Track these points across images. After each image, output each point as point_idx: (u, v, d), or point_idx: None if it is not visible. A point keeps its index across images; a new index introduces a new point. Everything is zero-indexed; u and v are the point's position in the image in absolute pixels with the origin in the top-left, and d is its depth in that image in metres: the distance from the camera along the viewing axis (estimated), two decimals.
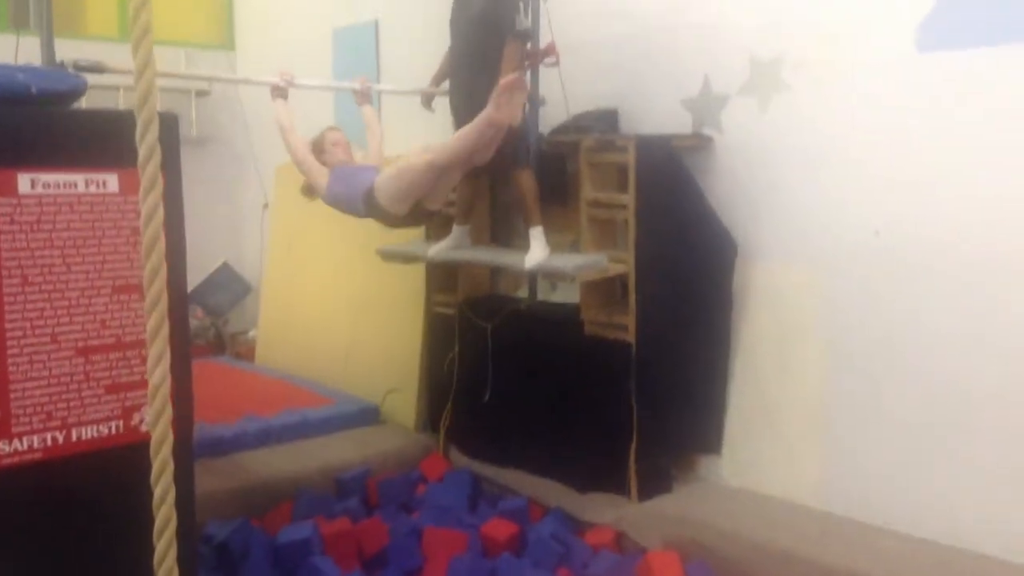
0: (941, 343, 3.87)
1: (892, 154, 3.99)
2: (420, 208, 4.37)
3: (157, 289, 1.61)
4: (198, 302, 7.45)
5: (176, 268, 3.13)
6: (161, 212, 1.62)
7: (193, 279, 7.27)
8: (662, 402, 4.47)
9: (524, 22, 4.56)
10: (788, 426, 4.42)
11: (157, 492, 1.60)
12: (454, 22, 4.81)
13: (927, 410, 3.92)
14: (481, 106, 4.50)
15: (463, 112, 4.81)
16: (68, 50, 4.09)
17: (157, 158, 1.63)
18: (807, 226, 4.31)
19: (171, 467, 1.61)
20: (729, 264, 4.57)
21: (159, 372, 1.64)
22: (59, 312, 2.98)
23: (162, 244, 1.62)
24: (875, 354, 4.09)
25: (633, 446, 4.42)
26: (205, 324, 7.51)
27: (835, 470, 4.24)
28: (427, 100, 5.13)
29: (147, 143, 1.62)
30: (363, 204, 4.35)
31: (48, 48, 3.81)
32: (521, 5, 4.55)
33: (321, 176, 4.49)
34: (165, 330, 1.62)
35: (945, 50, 3.79)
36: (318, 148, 4.57)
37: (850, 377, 4.18)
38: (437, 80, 5.04)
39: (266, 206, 7.76)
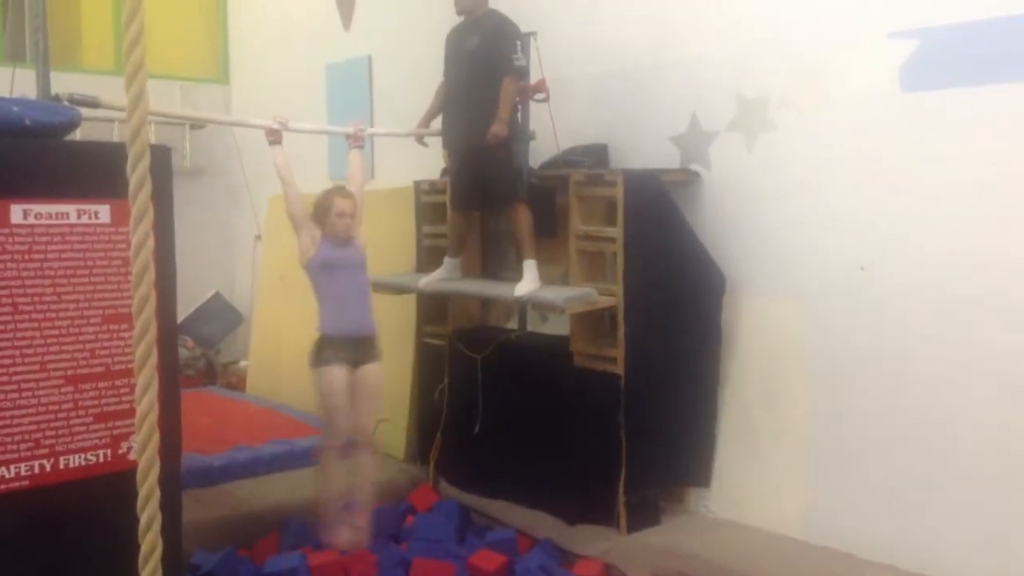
0: (926, 377, 3.91)
1: (877, 191, 4.05)
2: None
3: (146, 319, 1.64)
4: (189, 332, 7.46)
5: (166, 298, 3.17)
6: (151, 242, 1.66)
7: (185, 309, 7.29)
8: (651, 434, 4.48)
9: (521, 59, 4.64)
10: (775, 459, 4.44)
11: (143, 519, 1.62)
12: (449, 58, 4.89)
13: (912, 443, 3.95)
14: (476, 140, 4.58)
15: (457, 147, 4.89)
16: (64, 83, 4.15)
17: (148, 189, 1.67)
18: (794, 261, 4.37)
19: (157, 495, 1.63)
20: (717, 297, 4.61)
21: (147, 400, 1.66)
22: (49, 341, 3.01)
23: (151, 274, 1.65)
24: (861, 387, 4.12)
25: (622, 478, 4.43)
26: (196, 354, 7.51)
27: (822, 502, 4.25)
28: (420, 137, 5.18)
29: (138, 175, 1.65)
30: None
31: (44, 81, 3.85)
32: (518, 43, 4.63)
33: (311, 244, 4.28)
34: (153, 359, 1.65)
35: (928, 90, 3.86)
36: (323, 210, 4.29)
37: (834, 409, 4.21)
38: (429, 116, 5.09)
39: (259, 237, 7.81)
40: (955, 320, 3.81)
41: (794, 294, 4.36)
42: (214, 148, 8.20)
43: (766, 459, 4.47)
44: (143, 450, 1.64)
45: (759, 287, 4.52)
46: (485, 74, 4.61)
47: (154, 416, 1.65)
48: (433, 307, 5.54)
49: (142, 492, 1.62)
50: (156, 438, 1.65)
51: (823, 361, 4.26)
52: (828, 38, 4.23)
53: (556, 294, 4.51)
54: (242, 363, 7.68)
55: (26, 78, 4.17)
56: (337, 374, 4.19)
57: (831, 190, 4.22)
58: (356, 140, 4.79)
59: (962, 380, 3.78)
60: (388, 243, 5.95)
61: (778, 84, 4.40)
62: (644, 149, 4.96)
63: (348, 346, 4.25)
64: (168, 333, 3.27)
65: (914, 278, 3.93)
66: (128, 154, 1.64)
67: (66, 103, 3.65)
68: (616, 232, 4.47)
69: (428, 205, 5.57)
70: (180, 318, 6.61)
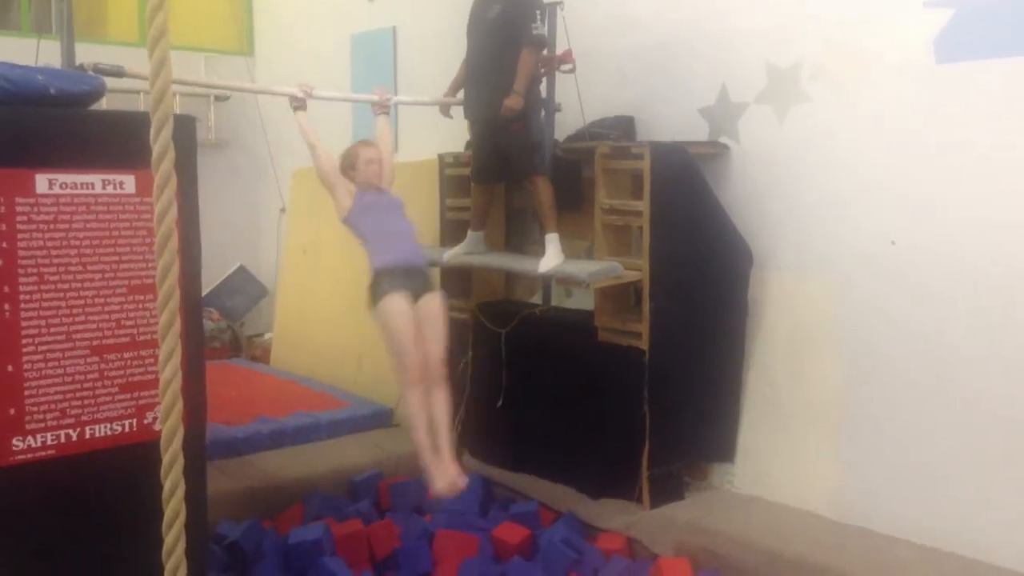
0: (957, 353, 3.84)
1: (909, 164, 3.97)
2: None
3: (169, 286, 1.63)
4: (214, 304, 7.49)
5: (190, 268, 3.17)
6: (174, 211, 1.65)
7: (210, 282, 7.33)
8: (675, 409, 4.45)
9: (540, 28, 4.57)
10: (802, 435, 4.39)
11: (167, 485, 1.62)
12: (471, 29, 4.83)
13: (942, 420, 3.89)
14: (495, 111, 4.52)
15: (476, 118, 4.84)
16: (89, 54, 4.13)
17: (171, 157, 1.65)
18: (823, 235, 4.29)
19: (181, 461, 1.62)
20: (744, 272, 4.55)
21: (170, 368, 1.66)
22: (74, 311, 3.02)
23: (174, 242, 1.64)
24: (890, 364, 4.06)
25: (646, 453, 4.41)
26: (221, 326, 7.55)
27: (849, 479, 4.21)
28: (445, 109, 5.13)
29: (161, 142, 1.64)
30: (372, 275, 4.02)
31: (68, 52, 3.84)
32: (538, 13, 4.56)
33: (346, 196, 4.20)
34: (176, 326, 1.64)
35: (963, 61, 3.76)
36: (349, 162, 4.24)
37: (865, 387, 4.15)
38: (454, 88, 5.03)
39: (283, 210, 7.81)
40: (989, 295, 3.73)
41: (823, 269, 4.30)
42: (239, 121, 8.19)
43: (793, 435, 4.42)
44: (167, 417, 1.63)
45: (787, 262, 4.45)
46: (505, 44, 4.55)
47: (178, 383, 1.64)
48: (457, 281, 5.51)
49: (166, 458, 1.62)
50: (180, 405, 1.65)
51: (853, 336, 4.20)
52: (862, 7, 4.13)
53: (581, 268, 4.47)
54: (267, 336, 7.71)
55: (51, 49, 4.17)
56: (399, 300, 3.89)
57: (863, 163, 4.14)
58: (382, 107, 4.73)
59: (996, 357, 3.72)
60: (412, 216, 5.88)
61: (810, 55, 4.31)
62: (672, 121, 4.88)
63: (404, 274, 3.99)
64: (193, 303, 3.26)
65: (947, 252, 3.85)
66: (151, 121, 1.63)
67: (91, 72, 3.64)
68: (642, 206, 4.41)
69: (452, 178, 5.54)
70: (205, 291, 6.64)
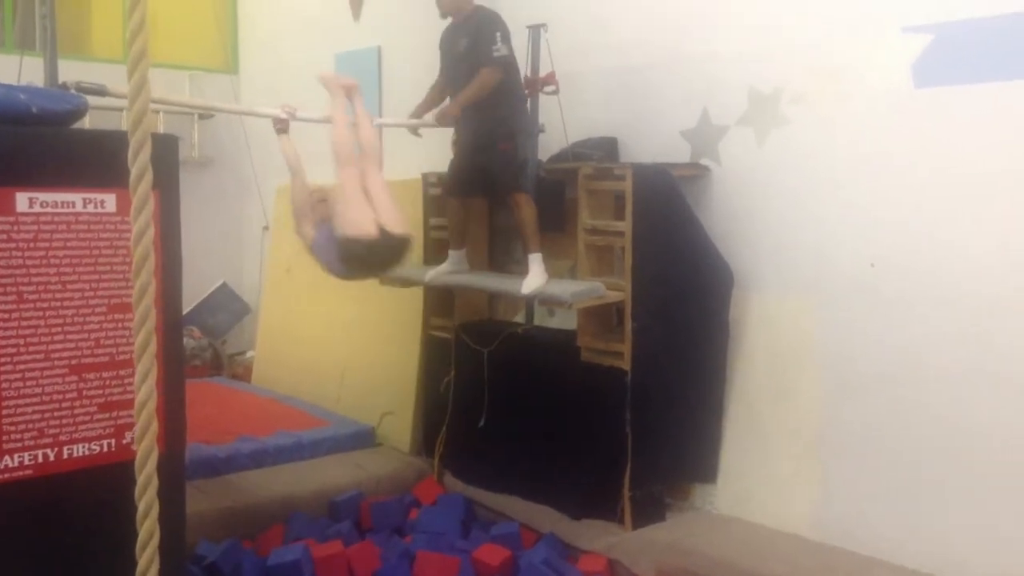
0: (937, 375, 3.87)
1: (888, 187, 4.01)
2: (386, 235, 3.84)
3: (145, 306, 1.64)
4: (197, 322, 7.45)
5: (170, 287, 3.16)
6: (151, 231, 1.66)
7: (192, 299, 7.29)
8: (657, 430, 4.46)
9: (500, 49, 4.60)
10: (783, 456, 4.40)
11: (141, 506, 1.61)
12: (444, 61, 4.88)
13: (923, 441, 3.92)
14: (479, 138, 4.58)
15: (462, 144, 4.87)
16: (72, 71, 4.12)
17: (149, 178, 1.66)
18: (803, 257, 4.33)
19: (155, 483, 1.62)
20: (726, 293, 4.58)
21: (145, 388, 1.66)
22: (53, 330, 3.00)
23: (151, 262, 1.65)
24: (871, 385, 4.09)
25: (627, 473, 4.41)
26: (203, 344, 7.51)
27: (830, 500, 4.22)
28: (412, 129, 5.14)
29: (139, 163, 1.65)
30: (337, 256, 3.95)
31: (52, 69, 3.83)
32: (498, 35, 4.60)
33: (310, 231, 4.15)
34: (152, 347, 1.65)
35: (941, 86, 3.82)
36: (321, 195, 4.21)
37: (845, 407, 4.18)
38: (421, 110, 5.05)
39: (266, 228, 7.79)
40: (969, 317, 3.77)
41: (803, 290, 4.33)
42: (223, 138, 8.18)
43: (774, 456, 4.44)
44: (142, 437, 1.63)
45: (768, 283, 4.49)
46: (472, 75, 4.60)
47: (153, 404, 1.64)
48: (440, 299, 5.52)
49: (140, 479, 1.61)
50: (155, 426, 1.64)
51: (833, 358, 4.22)
52: (841, 32, 4.19)
53: (563, 289, 4.48)
54: (248, 354, 7.67)
55: (34, 66, 4.16)
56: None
57: (842, 186, 4.18)
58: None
59: (976, 379, 3.75)
60: None
61: (790, 79, 4.36)
62: (654, 143, 4.92)
63: None
64: (173, 322, 3.26)
65: (926, 275, 3.89)
66: (130, 142, 1.63)
67: (73, 91, 3.64)
68: (625, 226, 4.44)
69: (435, 197, 5.55)
70: (187, 308, 6.61)
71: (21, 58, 4.46)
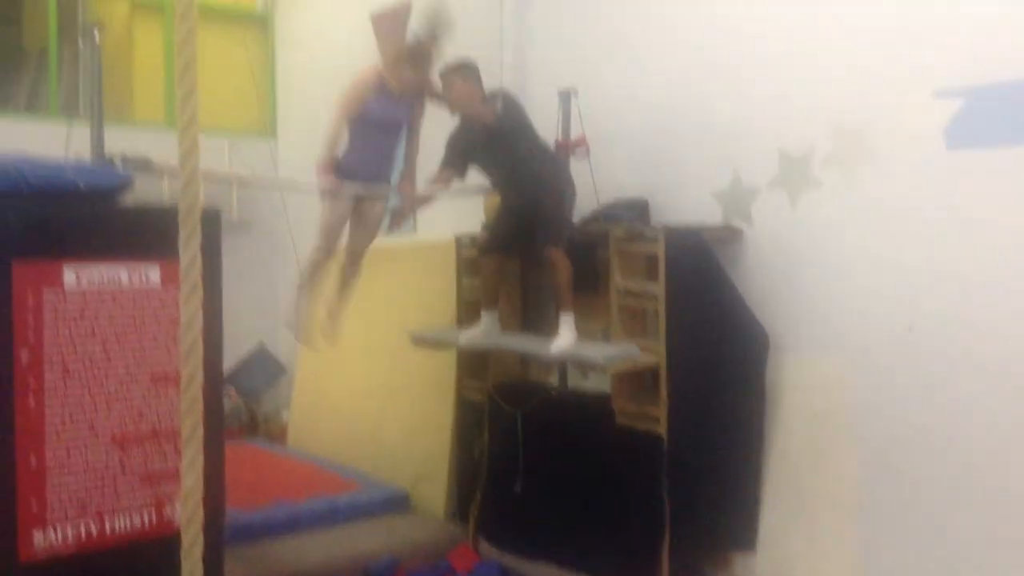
0: (977, 441, 3.80)
1: (923, 250, 3.99)
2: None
3: (193, 390, 1.66)
4: (234, 383, 7.51)
5: (212, 362, 3.20)
6: (200, 315, 1.68)
7: (229, 360, 7.36)
8: (695, 497, 4.40)
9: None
10: (823, 522, 4.32)
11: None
12: (472, 155, 4.97)
13: (963, 508, 3.83)
14: (526, 194, 4.75)
15: (509, 203, 4.96)
16: (116, 137, 4.24)
17: (198, 264, 1.69)
18: (840, 320, 4.30)
19: (200, 551, 1.63)
20: (762, 356, 4.55)
21: (193, 476, 1.68)
22: (98, 403, 3.05)
23: (199, 353, 1.67)
24: (910, 451, 4.02)
25: (666, 542, 4.34)
26: (239, 406, 7.56)
27: (870, 568, 4.12)
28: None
29: (189, 253, 1.67)
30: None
31: (98, 141, 3.95)
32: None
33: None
34: (200, 427, 1.66)
35: (974, 148, 3.81)
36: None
37: (885, 473, 4.11)
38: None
39: (302, 287, 7.87)
40: (1009, 382, 3.71)
41: (840, 353, 4.29)
42: (260, 201, 8.32)
43: (814, 523, 4.35)
44: (188, 525, 1.65)
45: (804, 346, 4.45)
46: (508, 149, 4.77)
47: (199, 494, 1.66)
48: (473, 361, 5.53)
49: (184, 548, 1.62)
50: (200, 515, 1.66)
51: (872, 422, 4.17)
52: (872, 95, 4.20)
53: (597, 351, 4.48)
54: (284, 415, 7.71)
55: (79, 132, 4.29)
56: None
57: (876, 249, 4.16)
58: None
59: (1018, 444, 3.67)
60: (429, 297, 5.98)
61: (822, 141, 4.38)
62: (685, 204, 4.94)
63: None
64: (214, 396, 3.30)
65: (965, 339, 3.84)
66: (178, 217, 1.65)
67: (118, 164, 3.75)
68: (658, 289, 4.44)
69: (469, 259, 5.60)
70: (224, 370, 6.67)
71: (69, 127, 4.59)
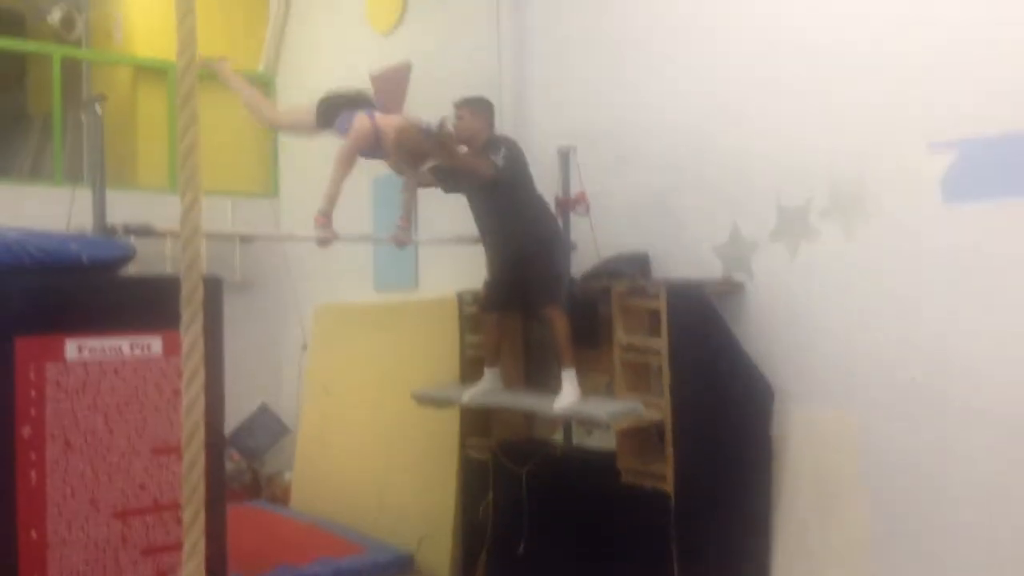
0: (987, 492, 3.77)
1: (924, 301, 3.99)
2: None
3: (195, 470, 1.65)
4: (236, 445, 7.47)
5: (214, 428, 3.19)
6: (202, 376, 1.66)
7: (232, 421, 7.32)
8: (704, 555, 4.34)
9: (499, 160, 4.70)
10: None
11: None
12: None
13: (974, 563, 3.78)
14: (516, 248, 4.73)
15: (498, 257, 4.94)
16: (119, 202, 4.27)
17: (199, 341, 1.69)
18: (844, 371, 4.28)
19: None
20: (767, 410, 4.53)
21: (194, 564, 1.66)
22: (99, 476, 3.04)
23: (201, 436, 1.66)
24: (919, 503, 3.98)
25: None
26: (241, 467, 7.51)
27: None
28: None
29: (192, 331, 1.67)
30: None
31: (100, 210, 3.98)
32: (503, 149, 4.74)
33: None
34: (201, 493, 1.64)
35: (970, 201, 3.84)
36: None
37: (895, 527, 4.06)
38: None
39: (305, 347, 7.88)
40: (1015, 433, 3.68)
41: (845, 405, 4.27)
42: (263, 260, 8.35)
43: None
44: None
45: (809, 398, 4.43)
46: (503, 197, 4.75)
47: (200, 560, 1.64)
48: (476, 419, 5.50)
49: None
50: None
51: (881, 474, 4.13)
52: (867, 148, 4.23)
53: (601, 408, 4.46)
54: (286, 475, 7.65)
55: (82, 197, 4.32)
56: None
57: (877, 300, 4.17)
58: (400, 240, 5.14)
59: None
60: (432, 354, 5.97)
61: (819, 194, 4.40)
62: (686, 258, 4.96)
63: None
64: (216, 463, 3.28)
65: (970, 390, 3.83)
66: (181, 286, 1.64)
67: (121, 233, 3.78)
68: (660, 344, 4.44)
69: (471, 316, 5.61)
70: (227, 430, 6.64)
71: (73, 193, 4.61)
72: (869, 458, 4.17)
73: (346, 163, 4.69)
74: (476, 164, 4.72)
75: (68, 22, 8.33)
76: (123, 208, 4.53)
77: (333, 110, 4.91)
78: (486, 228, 4.95)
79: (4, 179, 7.98)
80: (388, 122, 4.68)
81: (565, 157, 5.22)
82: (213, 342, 3.18)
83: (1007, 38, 3.74)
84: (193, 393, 1.64)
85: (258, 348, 8.00)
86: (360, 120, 4.72)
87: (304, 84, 8.41)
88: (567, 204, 5.16)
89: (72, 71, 8.38)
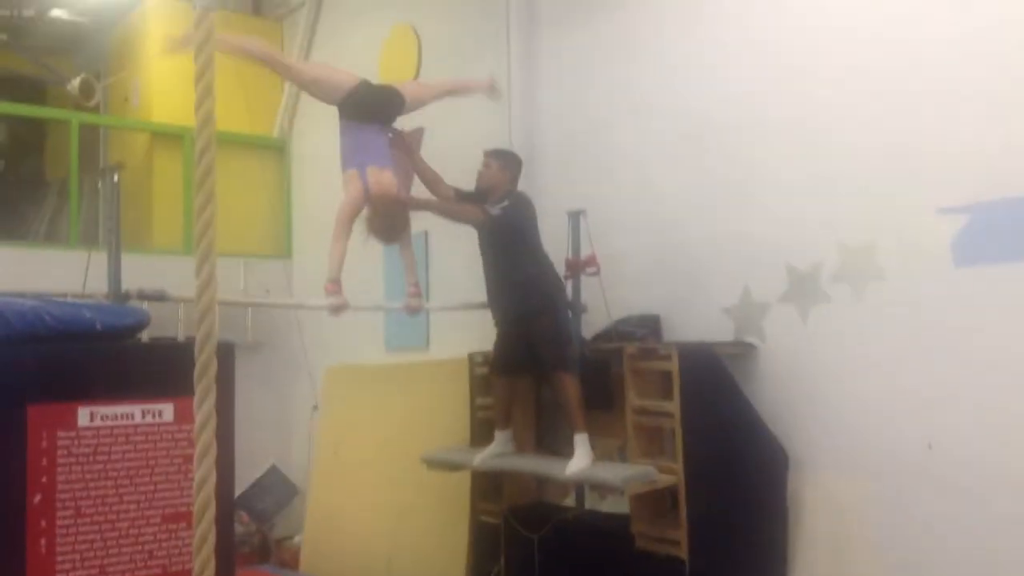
0: (1003, 559, 3.69)
1: (937, 366, 3.97)
2: None
3: (207, 544, 1.64)
4: (246, 506, 7.40)
5: (225, 494, 3.18)
6: (214, 478, 1.67)
7: (242, 482, 7.27)
8: None
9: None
10: None
11: None
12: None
13: None
14: (520, 309, 4.72)
15: (504, 317, 4.94)
16: (134, 266, 4.30)
17: (212, 423, 1.70)
18: (858, 436, 4.24)
19: None
20: (781, 474, 4.47)
21: None
22: (109, 544, 3.02)
23: (212, 512, 1.66)
24: (935, 571, 3.90)
25: None
26: (251, 530, 7.43)
27: None
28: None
29: (205, 407, 1.67)
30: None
31: (115, 276, 4.02)
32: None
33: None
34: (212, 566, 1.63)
35: (981, 264, 3.84)
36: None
37: None
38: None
39: (315, 408, 7.86)
40: None
41: (860, 471, 4.22)
42: (275, 321, 8.38)
43: None
44: None
45: (824, 463, 4.38)
46: (503, 247, 4.77)
47: None
48: (487, 482, 5.45)
49: None
50: None
51: (895, 542, 4.06)
52: (878, 212, 4.25)
53: (614, 473, 4.41)
54: (296, 538, 7.56)
55: (97, 260, 4.35)
56: None
57: (889, 364, 4.15)
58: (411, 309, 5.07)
59: None
60: (443, 416, 5.94)
61: (830, 257, 4.41)
62: (697, 319, 4.95)
63: None
64: (226, 530, 3.26)
65: (986, 456, 3.78)
66: (194, 357, 1.64)
67: (135, 299, 3.81)
68: (673, 407, 4.40)
69: (482, 377, 5.59)
70: (237, 492, 6.59)
71: (88, 257, 4.65)
72: (884, 523, 4.11)
73: (344, 225, 4.70)
74: (463, 210, 4.80)
75: (87, 89, 8.50)
76: (137, 270, 4.57)
77: (360, 100, 4.89)
78: (489, 275, 4.95)
79: (20, 242, 8.07)
80: (378, 179, 4.68)
81: (575, 219, 5.25)
82: (224, 410, 3.19)
83: (1017, 102, 3.78)
84: (205, 469, 1.64)
85: (269, 409, 7.99)
86: (352, 181, 4.73)
87: (318, 151, 8.55)
88: (577, 265, 5.18)
89: (90, 136, 8.53)
